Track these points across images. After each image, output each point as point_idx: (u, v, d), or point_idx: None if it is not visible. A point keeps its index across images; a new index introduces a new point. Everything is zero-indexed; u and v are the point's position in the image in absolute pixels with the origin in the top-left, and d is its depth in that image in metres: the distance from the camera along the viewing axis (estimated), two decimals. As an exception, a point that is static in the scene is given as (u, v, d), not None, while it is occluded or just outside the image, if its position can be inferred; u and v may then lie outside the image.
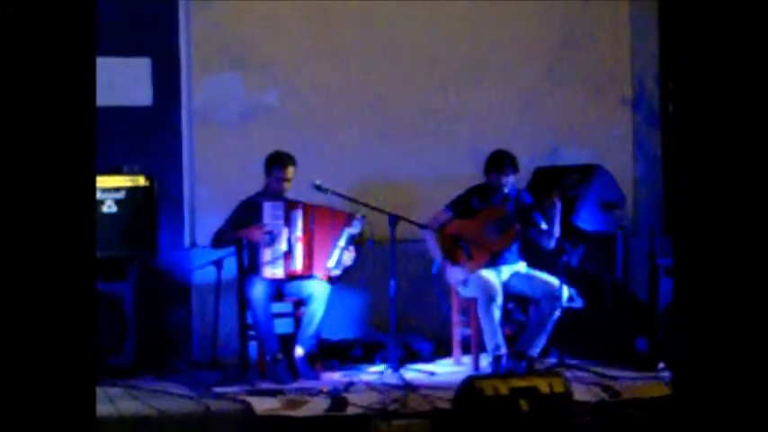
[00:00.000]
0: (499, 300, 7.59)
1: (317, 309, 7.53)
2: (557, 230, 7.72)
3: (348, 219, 7.64)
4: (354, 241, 7.65)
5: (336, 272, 7.65)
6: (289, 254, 7.55)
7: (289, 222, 7.58)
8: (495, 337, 7.57)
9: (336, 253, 7.61)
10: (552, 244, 7.74)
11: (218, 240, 7.72)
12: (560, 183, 7.71)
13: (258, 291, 7.45)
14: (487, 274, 7.71)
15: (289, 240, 7.56)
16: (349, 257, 7.65)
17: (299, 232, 7.58)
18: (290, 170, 7.67)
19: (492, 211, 7.82)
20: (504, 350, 7.56)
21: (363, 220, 7.64)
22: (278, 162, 7.67)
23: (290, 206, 7.62)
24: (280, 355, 7.45)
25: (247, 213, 7.65)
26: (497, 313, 7.58)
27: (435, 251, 7.90)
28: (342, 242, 7.61)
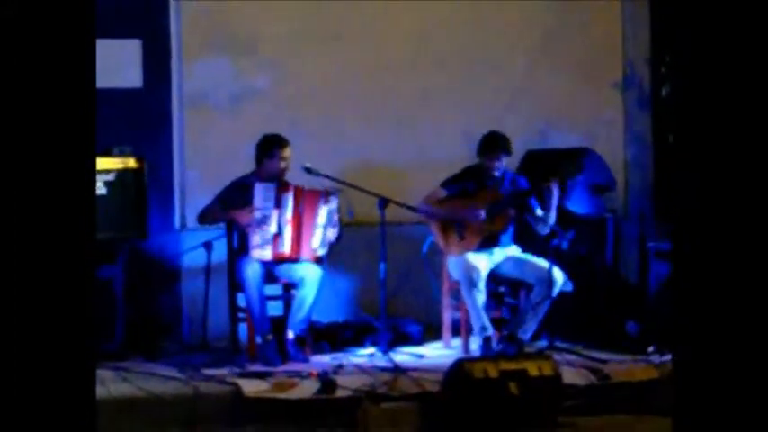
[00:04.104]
0: (481, 284, 7.58)
1: (307, 293, 7.52)
2: (552, 217, 7.70)
3: (325, 196, 7.63)
4: (335, 218, 7.65)
5: (322, 251, 7.65)
6: (278, 236, 7.55)
7: (279, 204, 7.57)
8: (479, 319, 7.58)
9: (319, 232, 7.61)
10: (546, 230, 7.73)
11: (205, 217, 7.71)
12: (559, 170, 7.70)
13: (251, 271, 7.44)
14: (474, 257, 7.71)
15: (279, 223, 7.55)
16: (332, 233, 7.64)
17: (288, 215, 7.57)
18: (288, 150, 7.68)
19: (488, 194, 7.81)
20: (491, 332, 7.58)
21: (338, 195, 7.65)
22: (277, 144, 7.66)
23: (282, 188, 7.61)
24: (270, 336, 7.45)
25: (238, 194, 7.63)
26: (480, 297, 7.58)
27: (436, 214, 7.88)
28: (322, 220, 7.61)
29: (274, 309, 7.74)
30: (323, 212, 7.61)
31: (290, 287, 7.79)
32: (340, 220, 7.68)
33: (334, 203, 7.64)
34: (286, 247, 7.57)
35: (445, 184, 7.93)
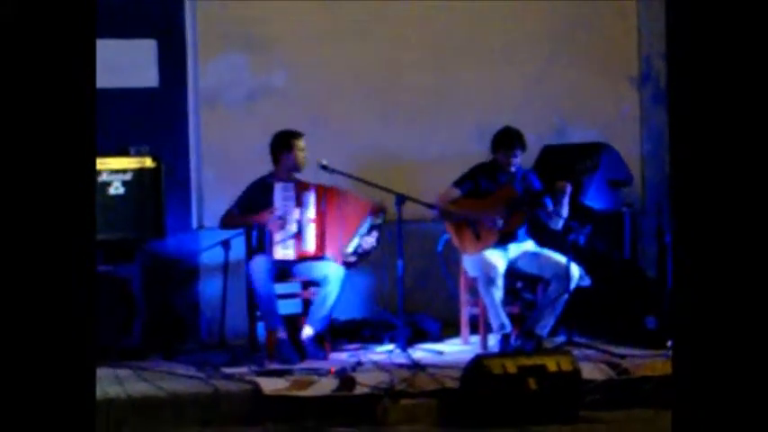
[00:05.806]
0: (499, 281, 7.57)
1: (331, 291, 7.50)
2: (564, 212, 7.70)
3: (374, 209, 7.62)
4: (374, 233, 7.64)
5: (353, 258, 7.64)
6: (299, 235, 7.54)
7: (300, 203, 7.57)
8: (498, 316, 7.57)
9: (356, 240, 7.60)
10: (560, 225, 7.72)
11: (227, 224, 7.73)
12: (573, 170, 7.68)
13: (257, 266, 7.44)
14: (491, 254, 7.70)
15: (300, 221, 7.54)
16: (368, 243, 7.64)
17: (310, 213, 7.57)
18: (303, 141, 7.69)
19: (503, 193, 7.80)
20: (509, 328, 7.56)
21: (384, 217, 7.66)
22: (291, 136, 7.68)
23: (302, 187, 7.61)
24: (282, 332, 7.44)
25: (258, 195, 7.63)
26: (498, 293, 7.57)
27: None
28: (363, 230, 7.61)
29: (291, 307, 7.74)
30: (365, 223, 7.61)
31: (308, 285, 7.78)
32: (379, 239, 7.67)
33: (380, 220, 7.64)
34: (309, 246, 7.55)
35: (458, 183, 7.92)
